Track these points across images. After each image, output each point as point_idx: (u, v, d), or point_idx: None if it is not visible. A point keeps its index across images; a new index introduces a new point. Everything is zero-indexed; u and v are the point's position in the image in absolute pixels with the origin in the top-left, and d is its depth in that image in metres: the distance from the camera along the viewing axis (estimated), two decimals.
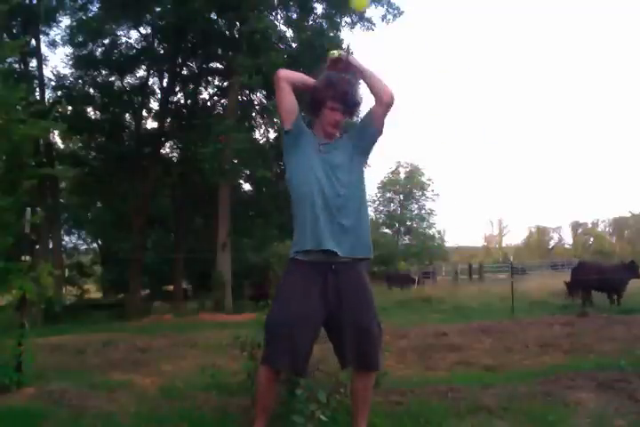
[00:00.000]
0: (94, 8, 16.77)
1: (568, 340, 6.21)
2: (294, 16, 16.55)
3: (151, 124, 20.61)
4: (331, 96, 2.37)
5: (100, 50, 17.65)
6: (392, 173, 36.52)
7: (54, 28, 17.56)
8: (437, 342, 6.58)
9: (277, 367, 2.32)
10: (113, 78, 18.61)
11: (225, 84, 17.99)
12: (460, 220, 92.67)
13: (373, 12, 38.68)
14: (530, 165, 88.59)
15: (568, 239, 57.14)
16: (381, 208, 36.17)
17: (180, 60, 18.58)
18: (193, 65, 19.25)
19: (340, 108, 2.41)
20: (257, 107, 17.29)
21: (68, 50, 17.68)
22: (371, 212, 35.87)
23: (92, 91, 18.39)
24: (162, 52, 18.37)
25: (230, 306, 14.93)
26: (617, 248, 50.37)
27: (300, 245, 2.35)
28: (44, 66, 17.55)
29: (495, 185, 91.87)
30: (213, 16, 16.54)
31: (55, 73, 18.04)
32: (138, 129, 19.35)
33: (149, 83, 19.29)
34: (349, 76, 2.49)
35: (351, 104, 2.44)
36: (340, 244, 2.31)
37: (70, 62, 17.63)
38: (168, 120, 19.48)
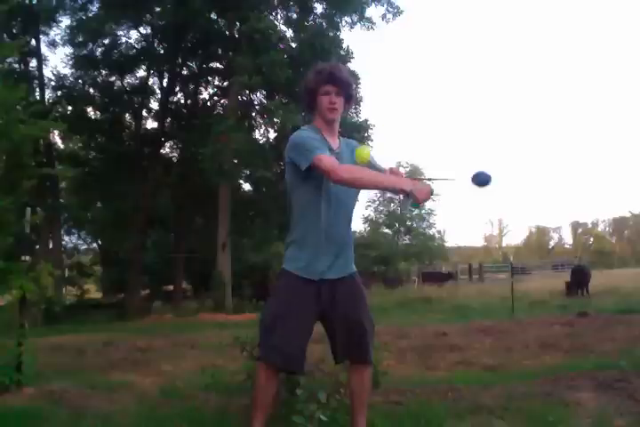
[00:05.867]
0: (94, 8, 16.82)
1: (568, 340, 6.20)
2: (294, 16, 16.56)
3: (151, 124, 20.67)
4: (320, 81, 2.33)
5: (100, 50, 17.70)
6: None
7: (54, 28, 17.64)
8: (437, 342, 6.57)
9: (270, 362, 2.32)
10: (113, 78, 18.64)
11: (225, 84, 18.01)
12: (460, 220, 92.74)
13: (373, 12, 38.66)
14: (530, 164, 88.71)
15: (568, 239, 57.27)
16: (381, 208, 36.13)
17: (180, 60, 18.60)
18: (193, 65, 19.28)
19: (333, 90, 2.32)
20: (257, 107, 17.29)
21: (68, 50, 17.75)
22: (371, 212, 35.82)
23: (92, 91, 18.41)
24: (162, 52, 18.39)
25: (230, 306, 14.93)
26: (617, 248, 50.42)
27: (297, 268, 2.39)
28: (43, 66, 17.62)
29: (495, 185, 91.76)
30: (213, 16, 16.56)
31: (55, 73, 18.12)
32: (138, 129, 19.35)
33: (149, 83, 19.33)
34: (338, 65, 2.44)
35: (340, 82, 2.33)
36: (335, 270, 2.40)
37: (70, 62, 17.68)
38: (168, 120, 19.49)
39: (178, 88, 19.63)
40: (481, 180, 2.19)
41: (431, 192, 2.14)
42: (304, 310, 2.31)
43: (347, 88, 2.36)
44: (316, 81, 2.34)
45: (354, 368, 2.45)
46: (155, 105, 19.90)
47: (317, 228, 2.34)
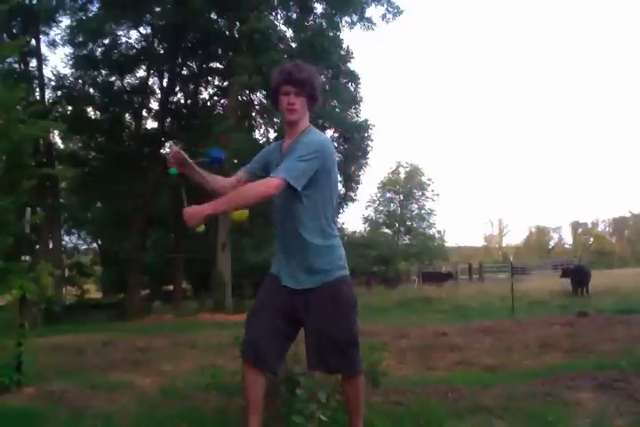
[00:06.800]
0: (94, 8, 16.81)
1: (568, 340, 6.20)
2: (294, 16, 16.56)
3: (151, 124, 20.64)
4: (280, 81, 2.30)
5: (100, 50, 17.66)
6: (392, 173, 36.55)
7: (54, 28, 17.63)
8: (437, 342, 6.57)
9: (245, 357, 2.34)
10: (113, 78, 18.61)
11: (225, 84, 18.00)
12: (460, 220, 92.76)
13: (373, 12, 38.61)
14: (530, 164, 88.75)
15: (568, 239, 57.26)
16: (381, 208, 36.16)
17: (180, 60, 18.58)
18: (193, 65, 19.26)
19: (292, 90, 2.26)
20: (257, 107, 17.29)
21: (68, 50, 17.73)
22: (371, 212, 35.83)
23: (92, 91, 18.40)
24: (162, 52, 18.38)
25: (230, 306, 14.93)
26: (617, 248, 50.41)
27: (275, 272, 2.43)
28: (43, 66, 17.62)
29: (495, 185, 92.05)
30: (213, 16, 16.56)
31: (55, 73, 18.12)
32: (138, 129, 19.34)
33: (149, 83, 19.30)
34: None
35: (299, 82, 2.26)
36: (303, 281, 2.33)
37: (70, 62, 17.65)
38: (168, 120, 19.48)
39: (178, 88, 19.61)
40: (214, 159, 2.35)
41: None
42: (273, 310, 2.31)
43: (307, 88, 2.29)
44: (277, 81, 2.31)
45: (343, 377, 2.46)
46: (155, 105, 19.92)
47: (279, 240, 2.39)
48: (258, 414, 2.35)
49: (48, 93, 17.72)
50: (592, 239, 53.83)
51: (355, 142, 16.02)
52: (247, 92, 16.55)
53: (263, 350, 2.29)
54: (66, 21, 17.29)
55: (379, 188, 36.28)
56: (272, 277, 2.41)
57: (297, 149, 2.24)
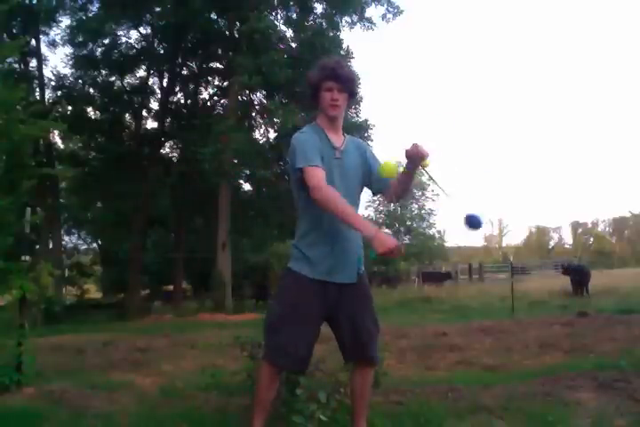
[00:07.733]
0: (94, 8, 16.80)
1: (568, 340, 6.19)
2: (294, 16, 16.56)
3: (151, 124, 20.66)
4: (322, 77, 2.34)
5: (100, 50, 17.66)
6: None
7: (54, 28, 17.63)
8: (437, 342, 6.56)
9: (274, 363, 2.32)
10: (113, 78, 18.62)
11: (225, 84, 18.01)
12: (461, 220, 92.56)
13: (373, 12, 38.64)
14: (530, 164, 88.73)
15: (568, 239, 57.28)
16: (381, 208, 36.14)
17: (180, 60, 18.60)
18: (193, 65, 19.27)
19: (335, 86, 2.33)
20: (257, 107, 17.29)
21: (68, 50, 17.74)
22: (371, 212, 35.85)
23: (92, 91, 18.41)
24: (162, 52, 18.40)
25: (230, 306, 14.94)
26: (617, 248, 50.42)
27: (302, 268, 2.34)
28: (43, 66, 17.62)
29: (495, 185, 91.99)
30: (213, 16, 16.57)
31: (55, 73, 18.12)
32: (138, 129, 19.34)
33: (149, 83, 19.32)
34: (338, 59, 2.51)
35: (343, 78, 2.34)
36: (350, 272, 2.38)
37: (70, 62, 17.66)
38: (168, 120, 19.48)
39: (178, 88, 19.61)
40: (472, 223, 2.18)
41: (394, 249, 1.98)
42: (310, 311, 2.29)
43: (350, 85, 2.37)
44: (319, 77, 2.35)
45: (357, 369, 2.44)
46: (155, 105, 19.93)
47: (321, 227, 2.32)
48: (264, 417, 2.36)
49: (48, 93, 17.76)
50: (592, 239, 53.84)
51: None
52: (247, 92, 16.54)
53: (299, 353, 2.29)
54: (66, 21, 17.32)
55: None
56: (296, 275, 2.33)
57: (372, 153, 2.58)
